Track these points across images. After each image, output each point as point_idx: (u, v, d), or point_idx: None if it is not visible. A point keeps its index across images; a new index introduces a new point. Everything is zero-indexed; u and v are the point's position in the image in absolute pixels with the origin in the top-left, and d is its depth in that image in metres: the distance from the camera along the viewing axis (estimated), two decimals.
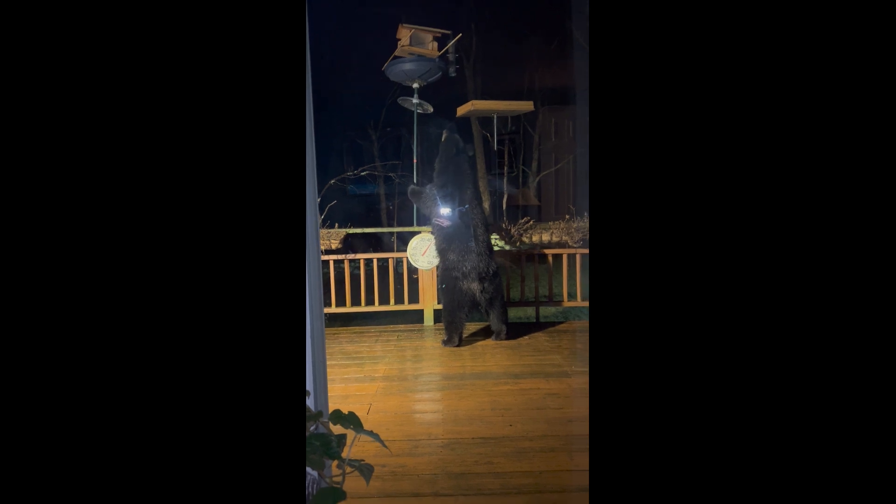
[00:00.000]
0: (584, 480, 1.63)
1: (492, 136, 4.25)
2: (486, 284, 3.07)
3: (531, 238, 3.43)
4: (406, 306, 3.81)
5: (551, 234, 3.42)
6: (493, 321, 3.22)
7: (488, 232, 3.11)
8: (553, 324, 3.71)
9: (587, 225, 3.39)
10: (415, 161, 3.79)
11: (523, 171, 11.81)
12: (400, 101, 3.87)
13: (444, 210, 3.07)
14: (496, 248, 3.46)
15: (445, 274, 3.11)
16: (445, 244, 3.09)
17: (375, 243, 5.78)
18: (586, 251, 3.57)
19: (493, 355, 3.01)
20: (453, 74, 3.84)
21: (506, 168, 10.85)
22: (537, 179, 11.54)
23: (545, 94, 10.26)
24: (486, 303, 3.13)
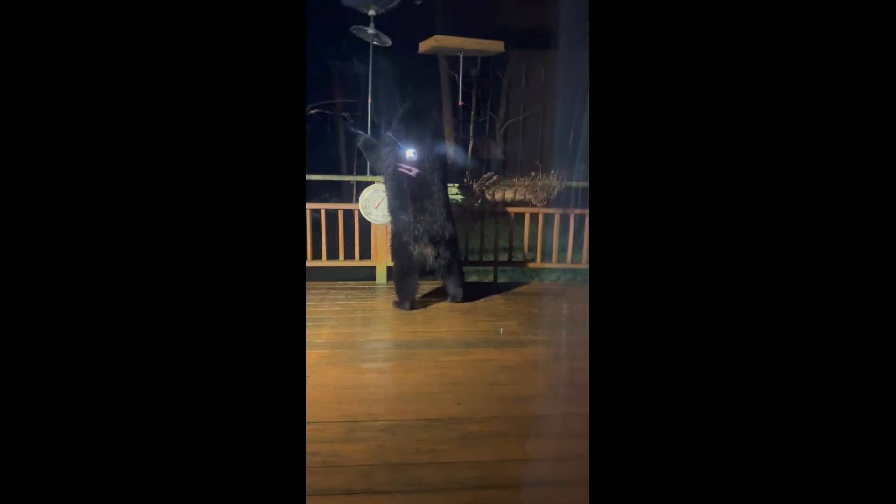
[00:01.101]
0: (534, 473, 1.52)
1: (458, 76, 3.85)
2: (440, 250, 2.80)
3: (493, 195, 3.19)
4: (357, 262, 3.56)
5: (515, 192, 3.20)
6: (449, 286, 3.03)
7: (446, 191, 2.82)
8: (512, 285, 3.57)
9: (553, 183, 3.16)
10: (369, 101, 3.40)
11: (490, 117, 11.34)
12: (354, 30, 3.40)
13: (409, 152, 2.70)
14: (455, 202, 3.19)
15: (396, 237, 2.83)
16: (397, 202, 2.78)
17: (335, 192, 5.38)
18: (551, 210, 3.38)
19: (446, 319, 2.85)
20: (418, 2, 3.39)
21: (472, 113, 10.34)
22: (504, 127, 11.14)
23: (518, 36, 9.58)
24: (442, 270, 2.90)
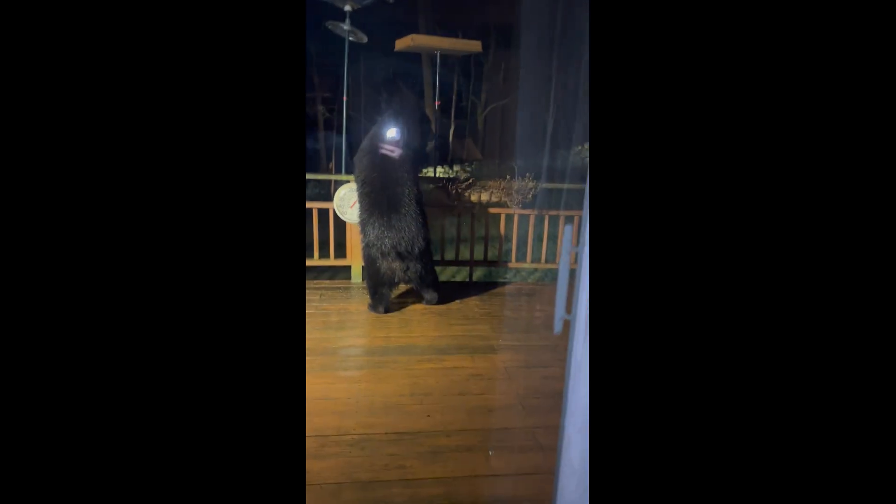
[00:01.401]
0: (498, 489, 1.57)
1: (436, 75, 3.81)
2: (410, 264, 2.76)
3: (469, 197, 3.21)
4: (332, 261, 3.55)
5: (490, 194, 3.21)
6: (423, 293, 3.03)
7: (420, 203, 2.78)
8: (487, 285, 3.62)
9: (528, 186, 3.19)
10: (344, 98, 3.34)
11: (472, 101, 11.25)
12: (329, 25, 3.32)
13: (391, 131, 2.63)
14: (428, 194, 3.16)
15: (366, 248, 2.82)
16: (366, 215, 2.76)
17: (312, 188, 5.29)
18: (525, 212, 3.41)
19: (420, 323, 2.88)
20: (391, 0, 3.32)
21: (454, 95, 10.24)
22: (484, 114, 11.08)
23: (497, 33, 9.36)
24: (415, 281, 2.91)
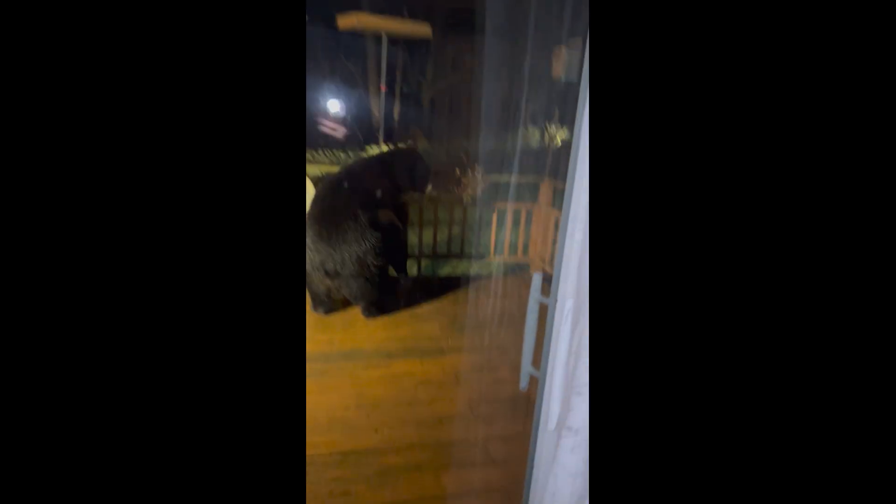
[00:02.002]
0: None
1: (382, 58, 3.59)
2: (341, 283, 2.66)
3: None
4: None
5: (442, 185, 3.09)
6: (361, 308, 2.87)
7: (375, 228, 2.64)
8: (437, 280, 3.53)
9: (479, 178, 3.10)
10: None
11: (418, 81, 10.93)
12: None
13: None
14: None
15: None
16: (308, 222, 2.63)
17: None
18: (476, 204, 3.33)
19: (365, 324, 2.75)
20: None
21: (399, 75, 9.87)
22: (431, 94, 10.82)
23: (450, 15, 8.94)
24: (351, 300, 2.78)
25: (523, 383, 0.78)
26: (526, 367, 0.76)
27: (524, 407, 2.12)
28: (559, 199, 3.42)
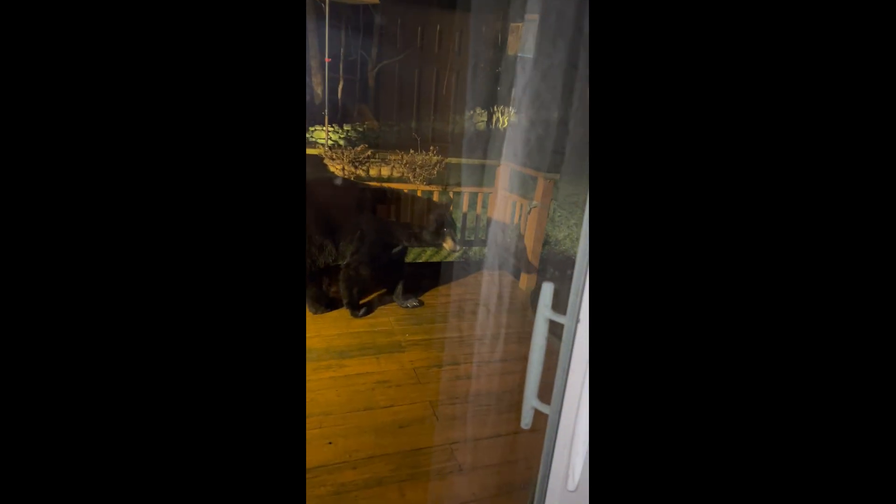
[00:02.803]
0: None
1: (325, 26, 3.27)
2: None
3: (368, 171, 2.84)
4: None
5: (392, 168, 2.88)
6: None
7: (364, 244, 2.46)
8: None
9: (433, 160, 2.91)
10: None
11: (362, 55, 10.43)
12: None
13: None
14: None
15: None
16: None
17: None
18: (430, 188, 3.14)
19: (314, 320, 2.52)
20: None
21: (342, 49, 9.33)
22: (377, 69, 10.40)
23: None
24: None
25: (526, 420, 0.62)
26: (530, 399, 0.61)
27: (493, 404, 2.01)
28: (516, 182, 3.31)
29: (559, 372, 0.58)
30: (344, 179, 2.79)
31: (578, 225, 4.66)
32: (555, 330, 0.63)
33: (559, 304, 0.58)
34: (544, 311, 0.58)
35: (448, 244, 2.53)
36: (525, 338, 2.53)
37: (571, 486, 0.53)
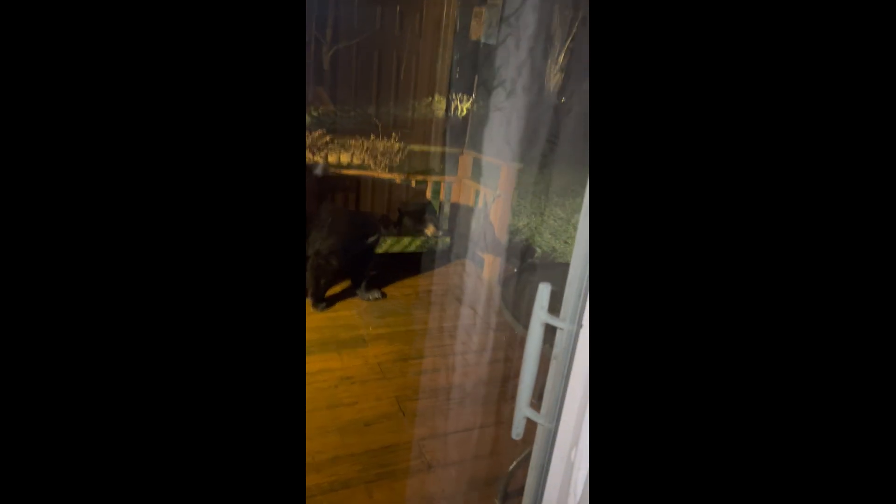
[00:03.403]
0: None
1: None
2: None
3: (327, 157, 2.72)
4: None
5: (352, 155, 2.76)
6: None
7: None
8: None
9: (395, 147, 2.82)
10: None
11: (315, 38, 10.04)
12: None
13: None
14: None
15: None
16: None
17: None
18: (393, 176, 3.05)
19: None
20: None
21: None
22: (332, 52, 10.04)
23: None
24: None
25: (517, 430, 0.58)
26: (522, 409, 0.56)
27: (461, 398, 1.98)
28: (480, 171, 3.27)
29: (555, 379, 0.54)
30: (322, 167, 2.67)
31: (537, 214, 4.70)
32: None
33: (554, 306, 0.54)
34: (540, 313, 0.53)
35: (430, 230, 2.47)
36: (491, 328, 2.52)
37: (572, 503, 0.49)
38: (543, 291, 0.54)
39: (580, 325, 0.49)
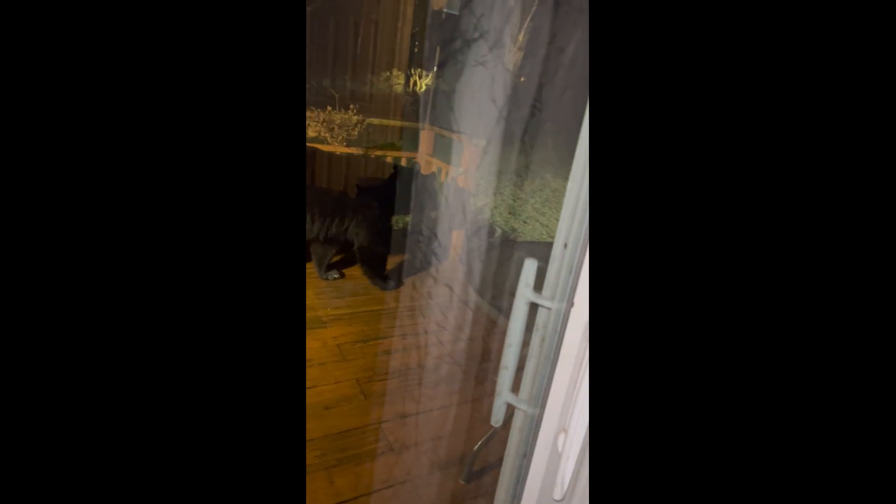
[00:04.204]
0: None
1: None
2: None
3: None
4: None
5: (307, 127, 2.61)
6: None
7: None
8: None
9: (352, 120, 2.70)
10: None
11: None
12: None
13: None
14: None
15: None
16: None
17: None
18: (351, 150, 2.92)
19: None
20: None
21: None
22: None
23: None
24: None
25: (497, 417, 0.54)
26: (504, 394, 0.52)
27: (422, 378, 1.95)
28: (442, 147, 3.20)
29: (540, 362, 0.50)
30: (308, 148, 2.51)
31: (498, 193, 4.69)
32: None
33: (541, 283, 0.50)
34: (526, 292, 0.49)
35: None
36: (453, 307, 2.49)
37: (558, 494, 0.46)
38: (529, 268, 0.49)
39: (572, 304, 0.45)
